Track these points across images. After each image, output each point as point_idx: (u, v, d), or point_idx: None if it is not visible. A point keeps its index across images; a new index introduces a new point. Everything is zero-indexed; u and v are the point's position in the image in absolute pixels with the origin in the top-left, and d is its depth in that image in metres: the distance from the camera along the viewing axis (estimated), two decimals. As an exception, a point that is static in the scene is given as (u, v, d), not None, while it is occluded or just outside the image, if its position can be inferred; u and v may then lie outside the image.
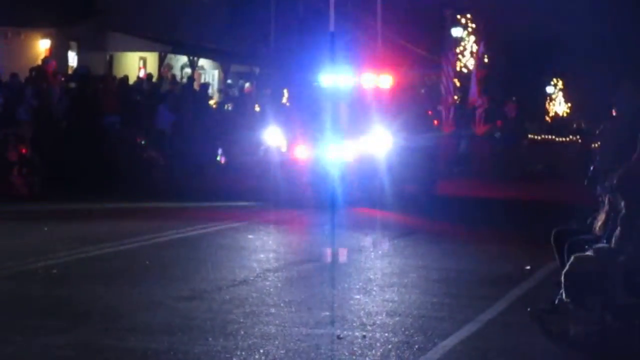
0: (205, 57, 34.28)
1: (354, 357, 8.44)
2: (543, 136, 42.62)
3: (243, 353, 8.38)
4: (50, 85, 23.03)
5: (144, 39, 30.54)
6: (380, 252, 14.46)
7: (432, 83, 33.78)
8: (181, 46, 31.86)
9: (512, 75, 47.28)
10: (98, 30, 29.87)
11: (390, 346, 8.83)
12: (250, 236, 15.47)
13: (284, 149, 20.46)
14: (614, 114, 11.12)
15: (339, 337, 8.99)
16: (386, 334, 9.23)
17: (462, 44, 41.79)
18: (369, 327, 9.44)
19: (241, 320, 9.53)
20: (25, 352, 8.29)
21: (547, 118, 61.58)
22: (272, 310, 10.05)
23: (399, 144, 20.44)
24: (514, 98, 35.09)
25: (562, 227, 10.29)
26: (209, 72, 36.01)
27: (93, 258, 12.84)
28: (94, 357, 8.26)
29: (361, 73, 21.55)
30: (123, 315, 9.57)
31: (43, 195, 19.32)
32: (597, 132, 11.38)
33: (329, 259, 13.61)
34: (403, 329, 9.43)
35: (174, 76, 29.95)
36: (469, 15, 41.65)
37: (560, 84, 71.24)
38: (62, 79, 24.61)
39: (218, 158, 25.08)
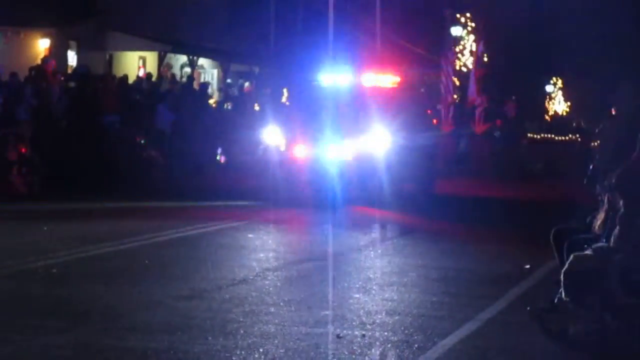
0: (205, 56, 34.30)
1: (353, 356, 8.45)
2: (542, 135, 42.63)
3: (243, 352, 8.39)
4: (49, 85, 23.04)
5: (143, 39, 30.55)
6: (379, 251, 14.47)
7: (432, 82, 33.78)
8: (181, 45, 31.87)
9: (511, 74, 47.27)
10: (98, 30, 29.88)
11: (389, 345, 8.84)
12: (249, 235, 15.48)
13: (282, 148, 20.47)
14: (613, 113, 11.14)
15: (338, 336, 8.99)
16: (386, 333, 9.24)
17: (462, 43, 41.79)
18: (368, 326, 9.45)
19: (241, 319, 9.54)
20: (25, 351, 8.29)
21: (547, 117, 61.59)
22: (272, 309, 10.06)
23: (398, 143, 20.44)
24: (513, 97, 35.07)
25: (561, 226, 10.29)
26: (209, 71, 36.03)
27: (93, 257, 12.85)
28: (94, 356, 8.26)
29: (360, 72, 21.55)
30: (123, 315, 9.58)
31: (43, 195, 19.32)
32: (597, 131, 11.39)
33: (328, 258, 13.61)
34: (402, 328, 9.44)
35: (173, 75, 29.95)
36: (468, 15, 41.64)
37: (559, 83, 71.24)
38: (62, 78, 24.61)
39: (218, 157, 25.09)
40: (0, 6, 26.28)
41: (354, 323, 9.56)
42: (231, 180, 21.89)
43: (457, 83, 39.67)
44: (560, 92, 73.17)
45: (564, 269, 9.44)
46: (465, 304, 10.61)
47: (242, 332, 9.05)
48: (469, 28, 41.86)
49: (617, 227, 9.27)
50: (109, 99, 23.03)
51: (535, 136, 41.54)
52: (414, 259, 13.69)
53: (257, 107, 26.20)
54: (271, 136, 20.78)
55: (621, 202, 9.30)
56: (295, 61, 24.75)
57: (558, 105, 73.02)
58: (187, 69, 33.16)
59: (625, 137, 9.85)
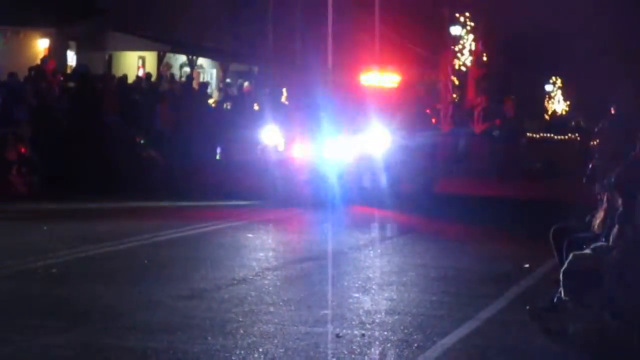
0: (204, 56, 34.30)
1: (353, 356, 8.45)
2: (542, 134, 42.62)
3: (242, 352, 8.40)
4: (49, 85, 23.03)
5: (143, 39, 30.54)
6: (379, 250, 14.47)
7: (431, 81, 33.82)
8: (180, 45, 31.86)
9: (511, 73, 47.27)
10: (97, 30, 29.87)
11: (389, 345, 8.84)
12: (249, 235, 15.48)
13: (282, 148, 20.48)
14: (612, 112, 11.16)
15: (338, 336, 9.00)
16: (385, 333, 9.24)
17: (461, 42, 41.80)
18: (368, 326, 9.46)
19: (240, 319, 9.54)
20: (25, 351, 8.30)
21: (546, 116, 61.59)
22: (271, 309, 10.06)
23: (397, 143, 20.46)
24: (512, 97, 35.09)
25: (560, 225, 10.30)
26: (208, 71, 36.03)
27: (93, 257, 12.85)
28: (94, 356, 8.27)
29: (360, 72, 21.58)
30: (122, 315, 9.58)
31: (42, 195, 19.32)
32: (596, 130, 11.39)
33: (327, 257, 13.61)
34: (402, 328, 9.44)
35: (172, 75, 29.95)
36: (467, 14, 41.65)
37: (559, 82, 71.25)
38: (61, 78, 24.61)
39: (218, 157, 25.08)
40: (0, 6, 26.27)
41: (353, 322, 9.57)
42: (231, 180, 21.87)
43: (457, 82, 39.71)
44: (559, 92, 73.19)
45: (563, 268, 9.45)
46: (464, 303, 10.61)
47: (241, 331, 9.05)
48: (468, 27, 41.88)
49: (616, 226, 9.28)
50: (109, 99, 23.02)
51: (534, 135, 41.53)
52: (414, 258, 13.69)
53: (256, 107, 26.20)
54: (270, 136, 20.79)
55: (620, 201, 9.31)
56: (294, 61, 24.79)
57: (557, 104, 73.05)
58: (187, 69, 33.17)
59: (624, 136, 9.86)
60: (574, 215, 10.82)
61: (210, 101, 28.18)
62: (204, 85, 28.51)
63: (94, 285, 11.00)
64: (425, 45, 37.58)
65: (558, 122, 52.92)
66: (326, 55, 23.73)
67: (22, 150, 20.14)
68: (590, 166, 10.32)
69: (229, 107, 27.87)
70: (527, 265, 12.93)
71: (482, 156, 30.35)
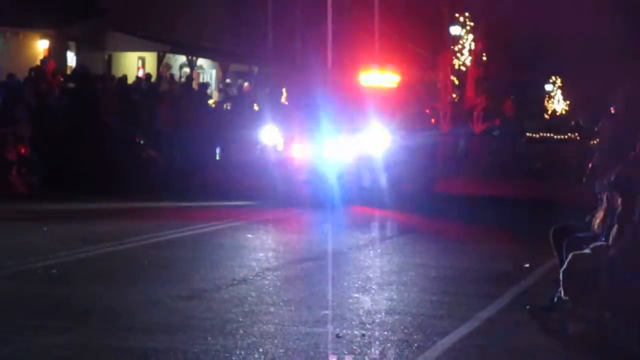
0: (204, 56, 34.29)
1: (353, 356, 8.45)
2: (541, 134, 42.65)
3: (242, 352, 8.39)
4: (49, 85, 23.02)
5: (142, 39, 30.53)
6: (379, 250, 14.47)
7: (431, 81, 33.84)
8: (180, 46, 31.86)
9: (511, 73, 47.29)
10: (97, 30, 29.85)
11: (389, 344, 8.84)
12: (249, 235, 15.48)
13: (281, 148, 20.47)
14: (612, 111, 11.15)
15: (338, 336, 9.00)
16: (385, 333, 9.24)
17: (461, 42, 41.82)
18: (368, 326, 9.45)
19: (240, 319, 9.54)
20: (25, 352, 8.29)
21: (546, 116, 61.60)
22: (271, 309, 10.06)
23: (396, 143, 20.46)
24: (512, 97, 35.13)
25: (560, 225, 10.31)
26: (207, 71, 36.03)
27: (92, 258, 12.85)
28: (94, 356, 8.27)
29: (359, 71, 21.58)
30: (122, 315, 9.58)
31: (42, 195, 19.31)
32: (596, 129, 11.40)
33: (327, 257, 13.61)
34: (402, 328, 9.44)
35: (172, 76, 29.95)
36: (467, 14, 41.67)
37: (559, 82, 71.26)
38: (61, 79, 24.60)
39: (217, 158, 25.08)
40: (-1, 7, 26.29)
41: (353, 322, 9.57)
42: (230, 180, 21.87)
43: (456, 82, 39.72)
44: (559, 91, 73.19)
45: (563, 268, 9.45)
46: (464, 303, 10.61)
47: (241, 332, 9.05)
48: (468, 27, 41.90)
49: (616, 226, 9.28)
50: (108, 100, 23.01)
51: (534, 135, 41.56)
52: (413, 258, 13.69)
53: (256, 107, 26.20)
54: (269, 136, 20.79)
55: (619, 201, 9.32)
56: (294, 61, 24.79)
57: (557, 104, 73.06)
58: (186, 69, 33.16)
59: (623, 135, 9.87)
60: (573, 215, 10.83)
61: (210, 102, 28.18)
62: (204, 85, 28.49)
63: (93, 285, 11.00)
64: (425, 45, 37.58)
65: (558, 122, 52.98)
66: (326, 55, 23.74)
67: (22, 150, 20.13)
68: (590, 166, 10.32)
69: (229, 107, 27.86)
70: (527, 265, 12.93)
71: (482, 156, 30.40)
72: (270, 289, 11.25)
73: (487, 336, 9.33)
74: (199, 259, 12.94)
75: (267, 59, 34.51)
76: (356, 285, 11.53)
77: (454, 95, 39.34)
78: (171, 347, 8.42)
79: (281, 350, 8.51)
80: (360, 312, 10.06)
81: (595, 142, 11.91)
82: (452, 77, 39.85)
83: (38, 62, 25.18)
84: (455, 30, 41.09)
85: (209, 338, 8.79)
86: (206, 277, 11.62)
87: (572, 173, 16.20)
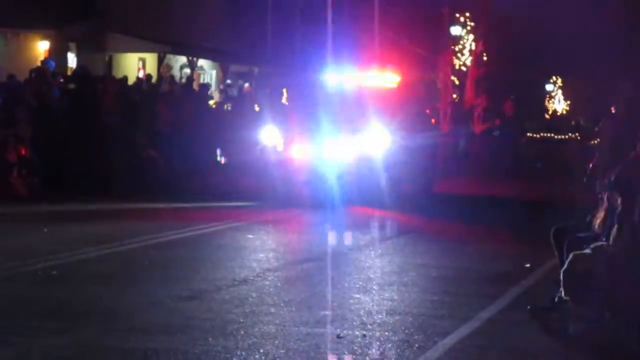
0: (205, 57, 34.30)
1: (354, 356, 8.45)
2: (542, 134, 42.63)
3: (243, 353, 8.39)
4: (49, 86, 23.02)
5: (143, 40, 30.53)
6: (379, 250, 14.47)
7: (431, 81, 33.83)
8: (180, 46, 31.86)
9: (511, 73, 47.28)
10: (97, 31, 29.86)
11: (390, 345, 8.84)
12: (249, 236, 15.48)
13: (281, 148, 20.46)
14: (612, 111, 11.16)
15: (339, 336, 9.00)
16: (386, 333, 9.24)
17: (461, 42, 41.81)
18: (368, 326, 9.45)
19: (241, 320, 9.54)
20: (25, 353, 8.29)
21: (547, 116, 61.59)
22: (272, 309, 10.06)
23: (396, 143, 20.45)
24: (512, 97, 35.12)
25: (561, 225, 10.31)
26: (208, 72, 36.04)
27: (93, 259, 12.85)
28: (94, 357, 8.27)
29: (359, 72, 21.57)
30: (123, 316, 9.58)
31: (42, 196, 19.30)
32: (596, 129, 11.41)
33: (328, 258, 13.61)
34: (403, 328, 9.44)
35: (172, 77, 29.95)
36: (467, 14, 41.66)
37: (559, 82, 71.26)
38: (62, 80, 24.60)
39: (218, 158, 25.09)
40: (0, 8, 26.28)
41: (354, 323, 9.57)
42: (231, 181, 21.88)
43: (457, 82, 39.70)
44: (560, 91, 73.19)
45: (563, 268, 9.45)
46: (465, 303, 10.61)
47: (242, 332, 9.05)
48: (468, 27, 41.89)
49: (616, 226, 9.28)
50: (109, 100, 23.01)
51: (534, 135, 41.54)
52: (414, 258, 13.69)
53: (257, 108, 26.21)
54: (269, 136, 20.78)
55: (619, 201, 9.31)
56: (293, 61, 24.78)
57: (558, 104, 73.06)
58: (187, 70, 33.17)
59: (624, 135, 9.87)
60: (574, 215, 10.82)
61: (211, 102, 28.19)
62: (205, 86, 28.51)
63: (94, 286, 11.00)
64: (425, 45, 37.56)
65: (558, 122, 52.96)
66: (326, 55, 23.73)
67: (22, 151, 20.12)
68: (590, 166, 10.32)
69: (229, 108, 27.87)
70: (528, 265, 12.93)
71: (483, 156, 30.39)
72: (271, 289, 11.25)
73: (488, 336, 9.33)
74: (199, 259, 12.94)
75: (267, 60, 34.52)
76: (357, 285, 11.53)
77: (455, 96, 39.33)
78: (171, 348, 8.42)
79: (282, 351, 8.51)
80: (361, 312, 10.06)
81: (595, 142, 11.91)
82: (453, 77, 39.84)
83: (38, 63, 25.18)
84: (455, 30, 41.08)
85: (210, 339, 8.79)
86: (207, 278, 11.62)
87: (572, 173, 16.18)
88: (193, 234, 15.32)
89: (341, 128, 20.09)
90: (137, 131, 22.88)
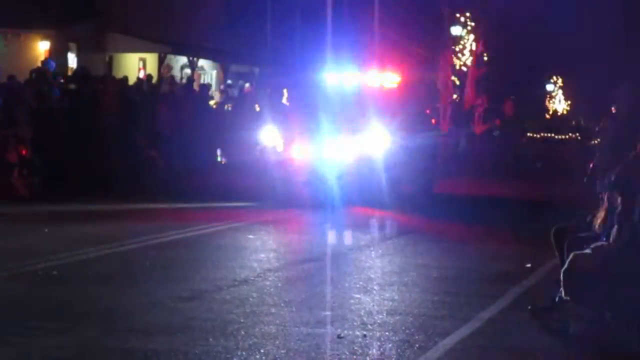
0: (205, 57, 34.31)
1: (354, 357, 8.45)
2: (542, 134, 42.62)
3: (244, 353, 8.39)
4: (50, 87, 23.03)
5: (143, 40, 30.55)
6: (380, 251, 14.47)
7: (431, 81, 33.80)
8: (181, 47, 31.87)
9: (511, 73, 47.28)
10: (98, 31, 29.89)
11: (390, 345, 8.84)
12: (250, 236, 15.48)
13: (281, 148, 20.46)
14: (613, 111, 11.15)
15: (339, 337, 9.00)
16: (387, 333, 9.24)
17: (462, 42, 41.80)
18: (369, 326, 9.45)
19: (241, 320, 9.54)
20: (25, 353, 8.29)
21: (547, 116, 61.57)
22: (273, 310, 10.06)
23: (397, 143, 20.45)
24: (512, 97, 35.15)
25: (561, 225, 10.30)
26: (208, 72, 36.04)
27: (93, 259, 12.84)
28: (94, 358, 8.27)
29: (359, 72, 21.57)
30: (123, 316, 9.58)
31: (43, 197, 19.31)
32: (597, 129, 11.40)
33: (328, 258, 13.61)
34: (403, 328, 9.44)
35: (172, 77, 29.95)
36: (468, 14, 41.64)
37: (560, 82, 71.24)
38: (62, 80, 24.61)
39: (219, 159, 25.09)
40: (0, 8, 26.29)
41: (354, 323, 9.57)
42: (231, 181, 21.89)
43: (457, 82, 39.69)
44: (560, 91, 73.17)
45: (564, 268, 9.45)
46: (466, 303, 10.61)
47: (242, 333, 9.05)
48: (469, 27, 41.88)
49: (615, 226, 9.28)
50: (109, 101, 23.02)
51: (534, 135, 41.54)
52: (415, 258, 13.69)
53: (257, 108, 26.22)
54: (270, 136, 20.78)
55: (619, 200, 9.31)
56: (293, 61, 24.77)
57: (558, 104, 73.05)
58: (187, 70, 33.17)
59: (624, 135, 9.87)
60: (574, 215, 10.82)
61: (212, 102, 28.20)
62: (205, 86, 28.52)
63: (94, 287, 11.00)
64: (425, 45, 37.56)
65: (558, 122, 52.95)
66: (326, 55, 23.73)
67: (23, 152, 20.13)
68: (590, 165, 10.32)
69: (230, 108, 27.88)
70: (528, 265, 12.94)
71: (483, 157, 30.41)
72: (272, 289, 11.25)
73: (489, 336, 9.34)
74: (199, 259, 12.94)
75: (267, 60, 34.53)
76: (357, 285, 11.53)
77: (455, 96, 39.33)
78: (172, 348, 8.42)
79: (282, 351, 8.51)
80: (362, 312, 10.06)
81: (595, 142, 11.90)
82: (453, 78, 39.85)
83: (39, 64, 25.20)
84: (455, 30, 41.07)
85: (210, 339, 8.79)
86: (207, 278, 11.62)
87: (572, 173, 16.18)
88: (193, 234, 15.32)
89: (341, 128, 20.10)
90: (137, 131, 22.89)
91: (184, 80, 29.90)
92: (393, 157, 20.21)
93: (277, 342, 8.79)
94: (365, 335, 9.08)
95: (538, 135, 42.33)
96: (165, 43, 30.98)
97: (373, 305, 10.44)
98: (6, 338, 8.64)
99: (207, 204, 19.21)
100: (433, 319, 9.81)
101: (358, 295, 10.95)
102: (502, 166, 28.56)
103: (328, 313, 9.96)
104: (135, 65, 32.03)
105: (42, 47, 28.17)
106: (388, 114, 20.65)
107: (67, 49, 29.28)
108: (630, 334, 9.11)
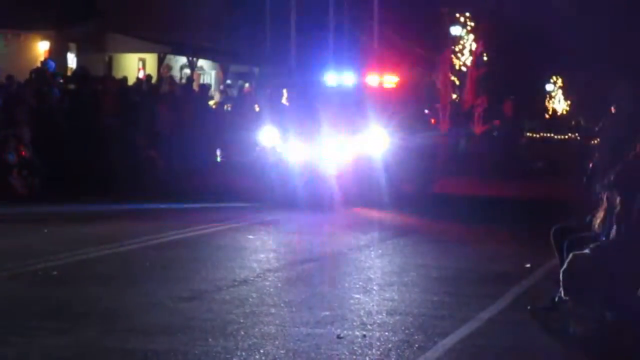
0: (205, 57, 34.30)
1: (354, 357, 8.45)
2: (542, 134, 42.64)
3: (243, 353, 8.39)
4: (50, 87, 23.03)
5: (143, 40, 30.54)
6: (379, 251, 14.47)
7: (431, 81, 33.80)
8: (180, 47, 31.86)
9: (511, 73, 47.28)
10: (97, 32, 29.87)
11: (390, 345, 8.84)
12: (249, 236, 15.48)
13: (280, 149, 20.46)
14: (613, 111, 11.16)
15: (339, 337, 9.00)
16: (386, 333, 9.24)
17: (461, 42, 41.81)
18: (369, 327, 9.46)
19: (241, 320, 9.54)
20: (25, 353, 8.29)
21: (547, 116, 61.57)
22: (272, 310, 10.06)
23: (396, 143, 20.46)
24: (512, 97, 35.13)
25: (561, 225, 10.30)
26: (208, 72, 36.03)
27: (93, 259, 12.85)
28: (94, 358, 8.27)
29: (358, 72, 21.57)
30: (123, 317, 9.58)
31: (43, 197, 19.32)
32: (596, 129, 11.41)
33: (328, 258, 13.62)
34: (403, 328, 9.44)
35: (172, 77, 29.95)
36: (467, 14, 41.65)
37: (560, 82, 71.24)
38: (62, 80, 24.61)
39: (218, 159, 25.08)
40: (0, 8, 26.28)
41: (354, 323, 9.57)
42: (231, 182, 21.88)
43: (457, 82, 39.70)
44: (560, 91, 73.17)
45: (563, 268, 9.46)
46: (465, 304, 10.61)
47: (242, 333, 9.05)
48: (469, 27, 41.88)
49: (615, 226, 9.28)
50: (109, 101, 23.02)
51: (534, 135, 41.55)
52: (414, 258, 13.69)
53: (257, 108, 26.22)
54: (269, 137, 20.78)
55: (618, 200, 9.32)
56: (292, 61, 24.74)
57: (558, 104, 73.05)
58: (187, 71, 33.16)
59: (624, 135, 9.87)
60: (574, 215, 10.82)
61: (211, 103, 28.20)
62: (204, 86, 28.52)
63: (94, 287, 11.00)
64: (425, 45, 37.55)
65: (558, 122, 52.96)
66: (325, 55, 23.72)
67: (23, 152, 20.14)
68: (590, 166, 10.33)
69: (229, 108, 27.87)
70: (528, 265, 12.94)
71: (483, 157, 30.38)
72: (271, 290, 11.25)
73: (488, 336, 9.34)
74: (199, 260, 12.94)
75: (267, 60, 34.50)
76: (357, 286, 11.53)
77: (454, 96, 39.33)
78: (172, 349, 8.43)
79: (282, 352, 8.51)
80: (361, 312, 10.07)
81: (595, 142, 11.91)
82: (453, 78, 39.85)
83: (39, 64, 25.19)
84: (455, 30, 41.08)
85: (210, 339, 8.79)
86: (207, 278, 11.62)
87: (572, 173, 16.20)
88: (193, 235, 15.32)
89: (341, 128, 20.10)
90: (137, 132, 22.89)
91: (184, 81, 29.88)
92: (392, 157, 20.21)
93: (277, 343, 8.79)
94: (365, 336, 9.08)
95: (538, 136, 42.37)
96: (164, 43, 30.96)
97: (373, 306, 10.45)
98: (6, 338, 8.65)
99: (207, 204, 19.21)
100: (433, 319, 9.82)
101: (358, 296, 10.95)
102: (501, 166, 28.53)
103: (328, 313, 9.96)
104: (135, 65, 32.02)
105: (41, 48, 28.17)
106: (387, 114, 20.65)
107: (67, 49, 29.28)
108: (630, 334, 9.11)
